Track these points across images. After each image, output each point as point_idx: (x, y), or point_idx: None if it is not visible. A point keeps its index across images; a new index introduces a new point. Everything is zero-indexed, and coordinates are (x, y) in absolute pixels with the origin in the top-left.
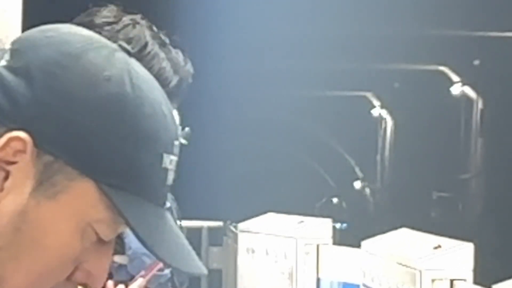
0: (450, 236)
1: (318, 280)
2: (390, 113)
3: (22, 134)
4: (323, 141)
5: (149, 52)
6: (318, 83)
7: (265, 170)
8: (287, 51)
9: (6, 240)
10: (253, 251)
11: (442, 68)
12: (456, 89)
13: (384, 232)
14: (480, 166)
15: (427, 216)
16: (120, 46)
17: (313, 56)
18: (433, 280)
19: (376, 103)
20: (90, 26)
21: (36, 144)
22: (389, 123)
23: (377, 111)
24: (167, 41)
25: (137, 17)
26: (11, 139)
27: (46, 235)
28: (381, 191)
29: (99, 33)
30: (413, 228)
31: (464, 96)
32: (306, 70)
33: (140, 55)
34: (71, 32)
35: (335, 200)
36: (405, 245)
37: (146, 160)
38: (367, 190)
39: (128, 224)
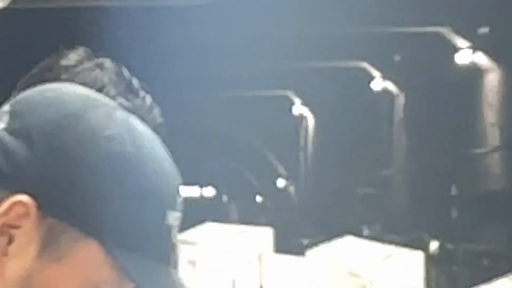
0: (381, 231)
1: None
2: (312, 110)
3: (24, 198)
4: (245, 141)
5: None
6: (237, 83)
7: (187, 171)
8: (205, 54)
9: None
10: (194, 264)
11: (362, 64)
12: (377, 85)
13: (312, 232)
14: (404, 161)
15: (352, 212)
16: (120, 104)
17: (232, 57)
18: None
19: (297, 101)
20: (54, 68)
21: (39, 206)
22: (311, 120)
23: (298, 109)
24: (136, 85)
25: (105, 61)
26: (14, 204)
27: None
28: (305, 189)
29: (60, 75)
30: (340, 223)
31: (385, 91)
32: (225, 71)
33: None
34: (70, 91)
35: (258, 198)
36: (353, 254)
37: (150, 218)
38: (291, 188)
39: (134, 283)
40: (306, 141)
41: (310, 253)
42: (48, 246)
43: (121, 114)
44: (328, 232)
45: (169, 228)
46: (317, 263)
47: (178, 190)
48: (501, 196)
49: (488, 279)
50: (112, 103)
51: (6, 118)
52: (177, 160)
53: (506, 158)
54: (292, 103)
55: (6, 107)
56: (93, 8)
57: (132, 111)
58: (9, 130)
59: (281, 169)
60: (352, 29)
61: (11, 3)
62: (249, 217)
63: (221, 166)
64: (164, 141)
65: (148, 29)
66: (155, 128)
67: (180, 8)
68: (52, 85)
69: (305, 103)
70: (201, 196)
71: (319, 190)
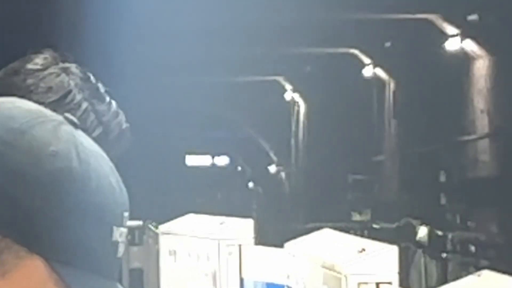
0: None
1: (241, 280)
2: (303, 96)
3: None
4: (237, 127)
5: (70, 101)
6: (229, 69)
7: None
8: (197, 38)
9: None
10: (175, 253)
11: (353, 50)
12: (368, 71)
13: (302, 218)
14: (394, 148)
15: (344, 198)
16: (66, 118)
17: (223, 43)
18: (359, 284)
19: (288, 87)
20: (20, 72)
21: None
22: (302, 106)
23: (289, 95)
24: (103, 90)
25: (71, 65)
26: None
27: None
28: (296, 175)
29: (26, 79)
30: (331, 210)
31: (376, 78)
32: (217, 57)
33: (60, 103)
34: (15, 106)
35: (250, 184)
36: (329, 247)
37: (95, 234)
38: (282, 174)
39: None
40: (297, 127)
41: (288, 245)
42: None
43: (67, 129)
44: (319, 218)
45: (115, 244)
46: (295, 255)
47: (124, 206)
48: (490, 183)
49: (475, 266)
50: (58, 118)
51: None
52: (174, 146)
53: (495, 145)
54: (284, 89)
55: None
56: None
57: (79, 126)
58: None
59: (272, 155)
60: (343, 15)
61: None
62: (240, 204)
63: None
64: (129, 146)
65: (137, 14)
66: (121, 133)
67: None
68: (0, 99)
69: (296, 89)
70: None
71: (310, 177)
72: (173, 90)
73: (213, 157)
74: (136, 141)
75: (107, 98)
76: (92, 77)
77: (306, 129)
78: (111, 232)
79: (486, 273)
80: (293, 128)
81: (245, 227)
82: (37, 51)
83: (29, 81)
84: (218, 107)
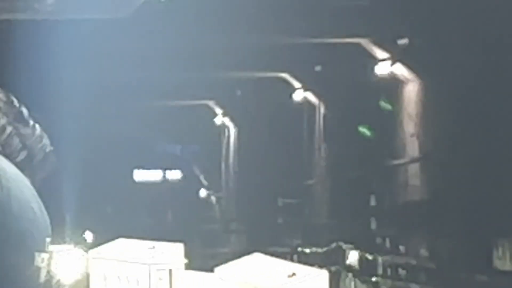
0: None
1: None
2: (233, 120)
3: None
4: (167, 151)
5: None
6: (159, 93)
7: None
8: (128, 63)
9: None
10: (105, 278)
11: (283, 74)
12: (298, 95)
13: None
14: (325, 172)
15: (274, 222)
16: None
17: (154, 67)
18: None
19: (219, 111)
20: None
21: None
22: (232, 130)
23: (219, 119)
24: (27, 114)
25: None
26: None
27: None
28: (227, 199)
29: None
30: (262, 234)
31: (306, 102)
32: (147, 81)
33: None
34: None
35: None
36: (259, 272)
37: (17, 260)
38: (213, 198)
39: None
40: (227, 151)
41: (218, 270)
42: None
43: None
44: (249, 243)
45: (37, 269)
46: (225, 280)
47: (46, 232)
48: (420, 207)
49: None
50: None
51: None
52: (105, 170)
53: (425, 169)
54: (214, 113)
55: None
56: (17, 21)
57: (1, 152)
58: None
59: (202, 179)
60: (273, 40)
61: None
62: (170, 228)
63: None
64: (54, 169)
65: (71, 41)
66: (45, 157)
67: (101, 21)
68: None
69: (226, 113)
70: None
71: (241, 201)
72: (102, 115)
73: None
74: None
75: (31, 122)
76: (15, 101)
77: (237, 153)
78: (33, 258)
79: None
80: (224, 152)
81: (175, 251)
82: None
83: None
84: (147, 131)
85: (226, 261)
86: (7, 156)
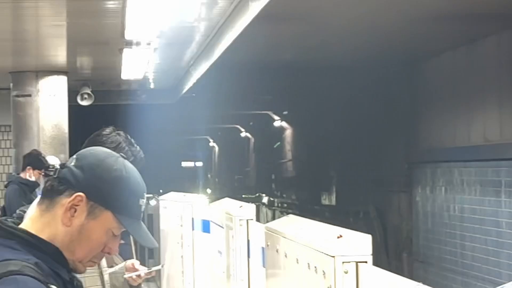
0: None
1: None
2: None
3: (81, 193)
4: None
5: (120, 147)
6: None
7: None
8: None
9: (75, 237)
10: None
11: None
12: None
13: None
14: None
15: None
16: (120, 155)
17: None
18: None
19: None
20: (98, 138)
21: (87, 197)
22: None
23: None
24: (133, 141)
25: (120, 132)
26: (77, 196)
27: (92, 234)
28: None
29: (104, 141)
30: None
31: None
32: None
33: (117, 148)
34: (102, 150)
35: None
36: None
37: (134, 202)
38: None
39: (125, 228)
40: None
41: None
42: (90, 214)
43: (121, 159)
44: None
45: (140, 207)
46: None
47: (144, 190)
48: (292, 179)
49: None
50: (117, 154)
51: (74, 160)
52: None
53: (294, 164)
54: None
55: (74, 156)
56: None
57: (124, 157)
58: (75, 165)
59: None
60: None
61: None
62: None
63: None
64: (143, 164)
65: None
66: (141, 160)
67: (159, 105)
68: (95, 147)
69: None
70: None
71: None
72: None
73: None
74: None
75: (135, 145)
76: (128, 136)
77: None
78: (139, 201)
79: None
80: None
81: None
82: (104, 127)
83: (103, 139)
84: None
85: None
86: (125, 159)
